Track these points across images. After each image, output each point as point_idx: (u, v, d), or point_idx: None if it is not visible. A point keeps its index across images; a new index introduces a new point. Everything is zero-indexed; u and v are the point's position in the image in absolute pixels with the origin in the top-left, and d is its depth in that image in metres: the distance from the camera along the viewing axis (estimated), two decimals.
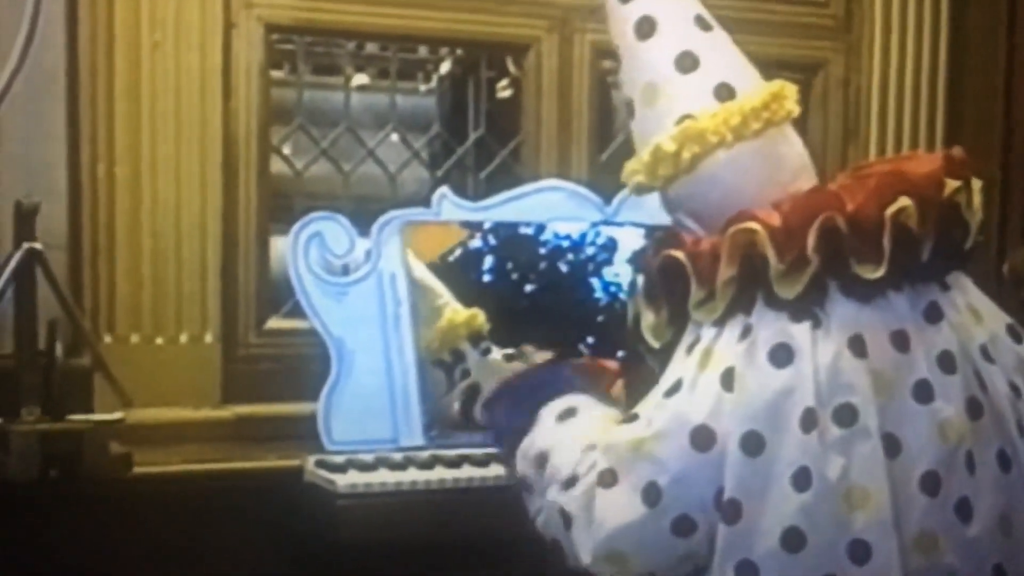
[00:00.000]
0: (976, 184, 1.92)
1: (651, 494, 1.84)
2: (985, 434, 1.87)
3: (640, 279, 2.02)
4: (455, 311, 3.30)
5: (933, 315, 1.89)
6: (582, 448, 1.93)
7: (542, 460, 2.00)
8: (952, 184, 1.88)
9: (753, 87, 1.94)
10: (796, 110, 1.96)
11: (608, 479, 1.87)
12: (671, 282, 1.92)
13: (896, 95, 3.97)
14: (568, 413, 2.03)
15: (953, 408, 1.84)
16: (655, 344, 1.98)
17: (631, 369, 2.13)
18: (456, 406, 2.75)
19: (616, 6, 2.01)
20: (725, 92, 1.91)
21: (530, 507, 2.02)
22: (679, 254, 1.91)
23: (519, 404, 2.11)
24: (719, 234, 1.88)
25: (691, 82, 1.92)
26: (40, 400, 2.78)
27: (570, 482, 1.92)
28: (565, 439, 1.98)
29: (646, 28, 1.96)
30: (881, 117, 3.97)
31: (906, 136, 3.97)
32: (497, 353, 3.19)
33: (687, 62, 1.93)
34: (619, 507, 1.85)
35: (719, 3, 2.04)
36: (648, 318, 1.99)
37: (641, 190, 1.98)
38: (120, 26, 3.15)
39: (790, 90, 1.96)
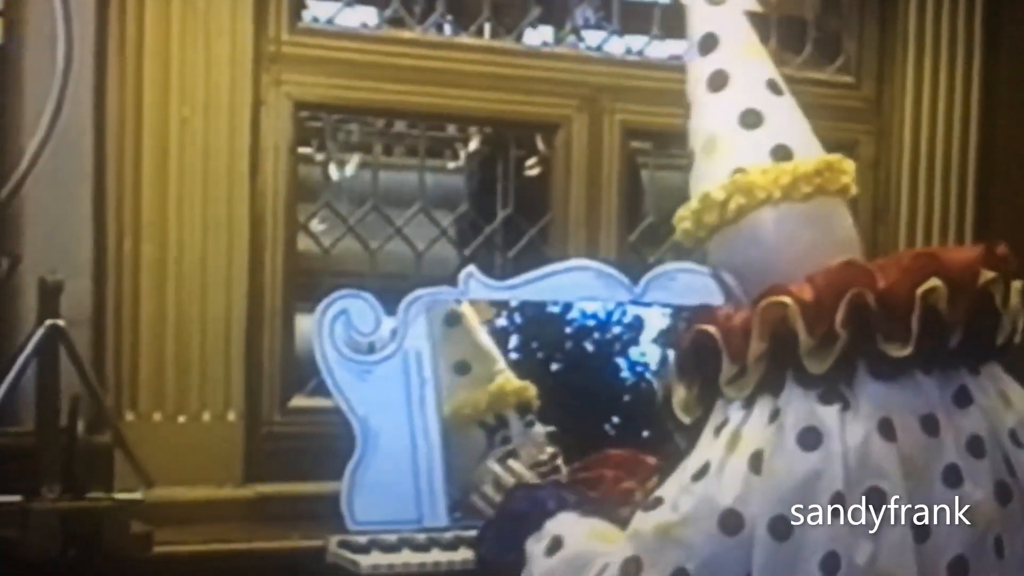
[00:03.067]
0: (1016, 284, 1.95)
1: None
2: (1014, 519, 1.90)
3: (672, 354, 2.05)
4: (508, 379, 3.35)
5: (963, 400, 1.92)
6: (581, 566, 1.96)
7: None
8: (987, 275, 1.91)
9: (811, 153, 2.00)
10: (852, 187, 2.02)
11: (633, 568, 1.89)
12: (703, 357, 1.96)
13: (926, 178, 4.02)
14: (555, 544, 2.06)
15: (982, 493, 1.87)
16: (685, 420, 2.01)
17: (668, 463, 2.15)
18: (486, 485, 2.77)
19: (694, 57, 2.08)
20: (782, 153, 1.98)
21: None
22: (711, 329, 1.94)
23: (506, 540, 2.14)
24: (751, 308, 1.91)
25: (751, 138, 2.00)
26: (60, 478, 2.79)
27: None
28: (562, 569, 2.03)
29: (719, 81, 2.04)
30: (911, 200, 4.02)
31: (936, 219, 4.01)
32: (540, 428, 3.22)
33: (751, 119, 2.00)
34: None
35: None
36: (680, 393, 2.03)
37: (688, 236, 2.03)
38: (148, 101, 3.22)
39: (848, 165, 2.03)
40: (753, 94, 2.03)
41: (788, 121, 2.04)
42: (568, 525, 2.09)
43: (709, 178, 2.00)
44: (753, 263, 1.96)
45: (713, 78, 2.04)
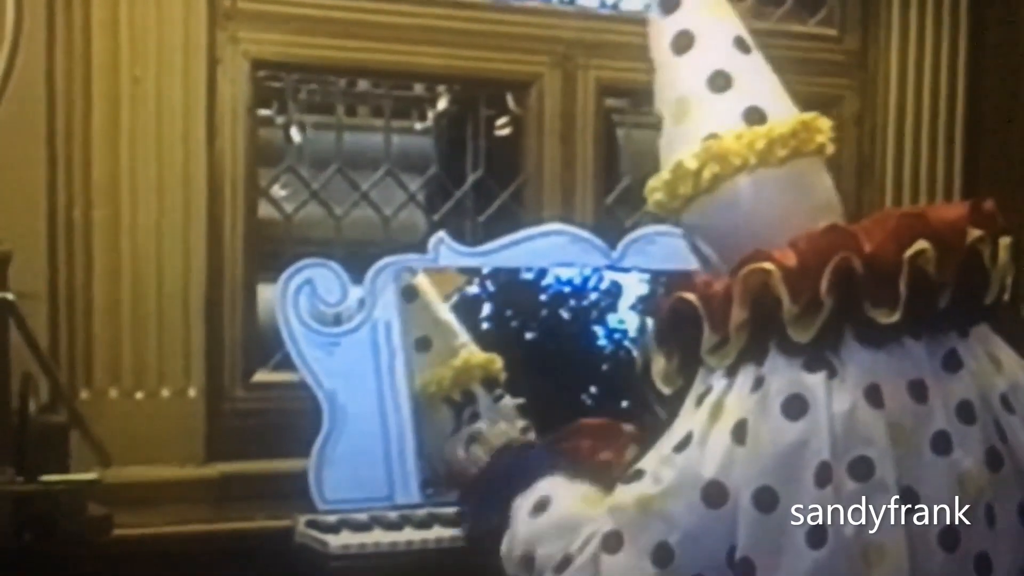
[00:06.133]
0: (1004, 241, 1.98)
1: (662, 554, 1.89)
2: (1005, 486, 1.93)
3: (651, 322, 2.07)
4: (472, 353, 3.36)
5: (952, 364, 1.95)
6: (568, 530, 1.98)
7: (528, 559, 2.05)
8: (974, 232, 1.94)
9: (785, 114, 2.01)
10: (829, 146, 2.03)
11: (613, 543, 1.91)
12: (683, 326, 1.98)
13: (913, 134, 4.05)
14: (542, 504, 2.09)
15: (972, 460, 1.91)
16: (666, 391, 2.04)
17: (646, 431, 2.19)
18: (459, 451, 2.79)
19: (657, 17, 2.09)
20: (756, 116, 1.99)
21: None
22: (691, 297, 1.97)
23: (489, 500, 2.17)
24: (732, 274, 1.93)
25: (722, 102, 2.01)
26: (13, 460, 2.78)
27: (565, 563, 1.96)
28: (546, 531, 2.05)
29: (684, 42, 2.05)
30: (897, 157, 4.06)
31: (923, 177, 4.05)
32: (510, 401, 3.24)
33: (720, 81, 2.01)
34: (628, 571, 1.91)
35: None
36: (659, 363, 2.05)
37: (661, 208, 2.04)
38: (98, 60, 3.20)
39: (823, 123, 2.03)
40: (721, 54, 2.03)
41: (759, 81, 2.04)
42: (557, 487, 2.11)
43: (680, 145, 2.01)
44: (731, 232, 1.97)
45: (677, 39, 2.05)
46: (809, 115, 2.03)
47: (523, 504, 2.10)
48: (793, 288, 1.88)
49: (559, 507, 2.06)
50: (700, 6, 2.08)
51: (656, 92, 2.09)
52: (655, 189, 2.04)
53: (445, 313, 3.38)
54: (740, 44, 2.06)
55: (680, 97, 2.03)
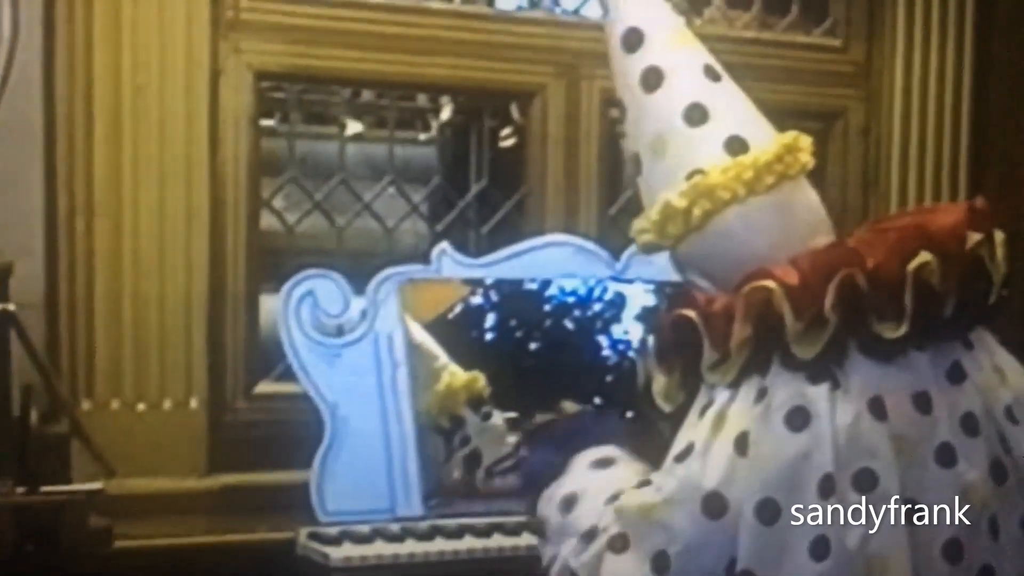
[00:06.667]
0: (999, 236, 1.98)
1: (660, 563, 1.88)
2: (1010, 499, 1.93)
3: (651, 339, 2.07)
4: (453, 374, 3.36)
5: (956, 375, 1.94)
6: (608, 498, 1.98)
7: (569, 503, 2.04)
8: (974, 237, 1.94)
9: (766, 139, 2.00)
10: (811, 162, 2.02)
11: (619, 544, 1.91)
12: (683, 343, 1.97)
13: (918, 144, 4.05)
14: (605, 462, 2.08)
15: (976, 472, 1.90)
16: (666, 408, 2.03)
17: (640, 432, 2.18)
18: (456, 475, 2.80)
19: (621, 56, 2.07)
20: (737, 145, 1.97)
21: (543, 555, 2.06)
22: (692, 314, 1.96)
23: (556, 447, 2.16)
24: (733, 292, 1.93)
25: (701, 135, 1.99)
26: (14, 471, 2.80)
27: (588, 536, 1.96)
28: (595, 486, 2.03)
29: (653, 79, 2.02)
30: (902, 167, 4.06)
31: (928, 186, 4.05)
32: (498, 418, 3.23)
33: (696, 114, 1.99)
34: (628, 574, 1.90)
35: (736, 50, 2.11)
36: (659, 380, 2.04)
37: (650, 249, 2.04)
38: (100, 69, 3.22)
39: (804, 141, 2.02)
40: (693, 87, 2.01)
41: (734, 108, 2.02)
42: (622, 455, 2.10)
43: (663, 184, 1.99)
44: (725, 264, 1.96)
45: (646, 76, 2.02)
46: (789, 136, 2.01)
47: (586, 456, 2.10)
48: (796, 305, 1.88)
49: (617, 470, 2.05)
50: (664, 40, 2.05)
51: (629, 132, 2.07)
52: (644, 231, 2.02)
53: (423, 337, 3.37)
54: (710, 72, 2.04)
55: (657, 135, 2.01)
